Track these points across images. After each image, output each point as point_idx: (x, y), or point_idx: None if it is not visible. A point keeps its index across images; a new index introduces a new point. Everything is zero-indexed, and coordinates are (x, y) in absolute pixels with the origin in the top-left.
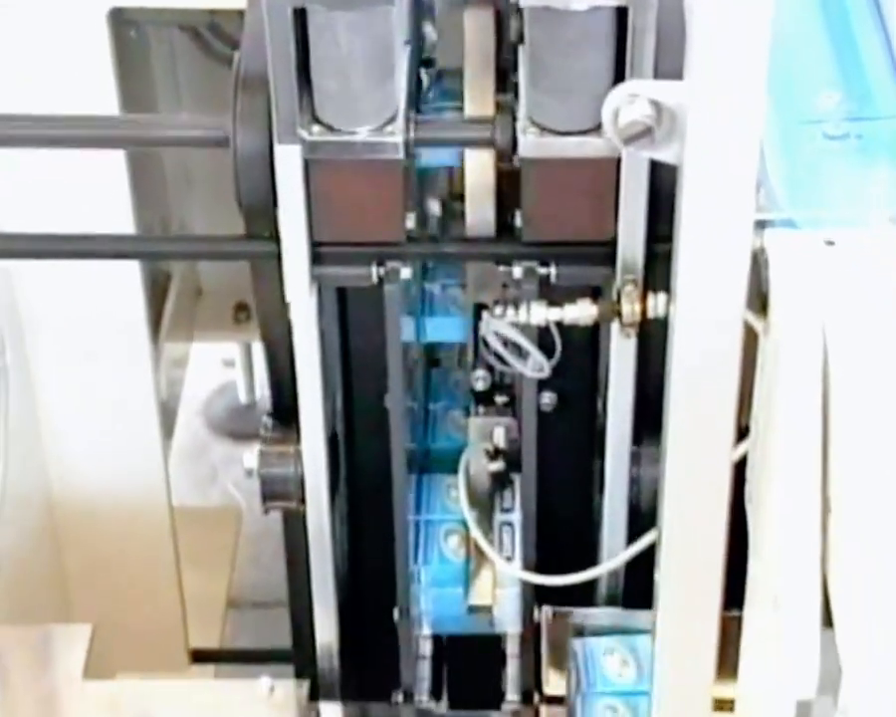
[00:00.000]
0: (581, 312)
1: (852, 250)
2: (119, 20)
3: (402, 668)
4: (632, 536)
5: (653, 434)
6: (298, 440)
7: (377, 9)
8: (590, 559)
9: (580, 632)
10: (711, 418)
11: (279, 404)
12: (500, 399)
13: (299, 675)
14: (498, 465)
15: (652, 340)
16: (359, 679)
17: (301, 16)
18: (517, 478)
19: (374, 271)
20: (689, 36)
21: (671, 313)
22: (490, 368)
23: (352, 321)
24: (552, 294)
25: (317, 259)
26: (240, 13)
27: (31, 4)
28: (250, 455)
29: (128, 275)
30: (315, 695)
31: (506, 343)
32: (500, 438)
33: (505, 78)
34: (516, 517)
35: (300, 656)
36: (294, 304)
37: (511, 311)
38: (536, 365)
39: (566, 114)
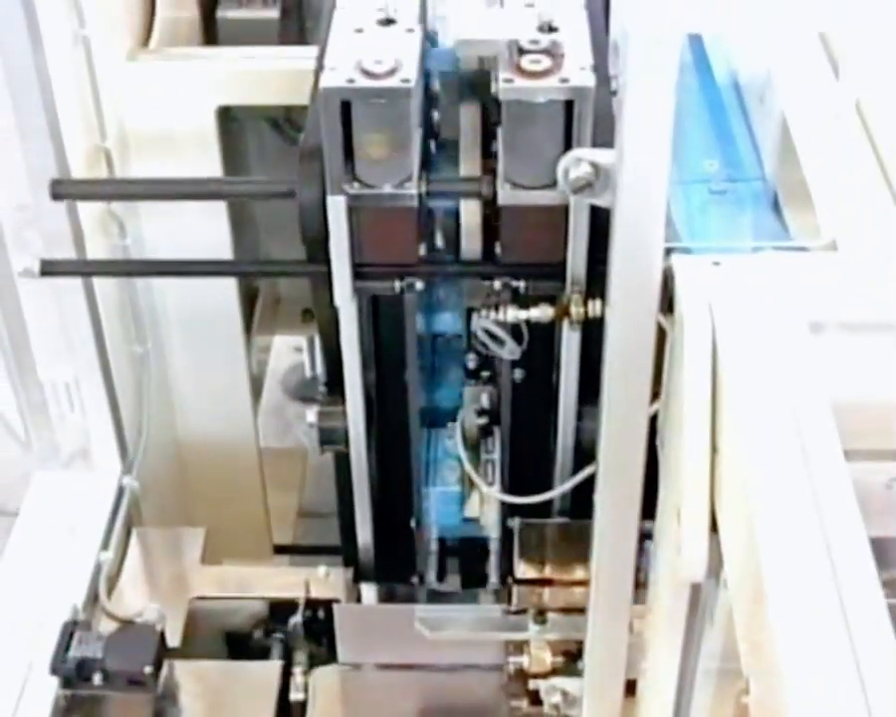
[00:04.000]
0: (542, 312)
1: (731, 268)
2: (224, 115)
3: (417, 560)
4: (576, 469)
5: (592, 398)
6: (343, 402)
7: (399, 101)
8: (547, 484)
9: None
10: (633, 386)
11: (330, 378)
12: (484, 374)
13: (346, 564)
14: (484, 420)
15: (592, 332)
16: (387, 568)
17: (346, 106)
18: (496, 429)
19: (397, 284)
20: (618, 121)
21: (606, 313)
22: (478, 353)
23: (382, 319)
24: (521, 300)
25: (357, 276)
26: (305, 108)
27: (163, 103)
28: (311, 413)
29: (229, 290)
30: (357, 578)
31: (490, 334)
32: (485, 401)
33: (488, 148)
34: (496, 456)
35: (346, 552)
36: (341, 307)
37: (493, 312)
38: (510, 351)
39: (531, 174)
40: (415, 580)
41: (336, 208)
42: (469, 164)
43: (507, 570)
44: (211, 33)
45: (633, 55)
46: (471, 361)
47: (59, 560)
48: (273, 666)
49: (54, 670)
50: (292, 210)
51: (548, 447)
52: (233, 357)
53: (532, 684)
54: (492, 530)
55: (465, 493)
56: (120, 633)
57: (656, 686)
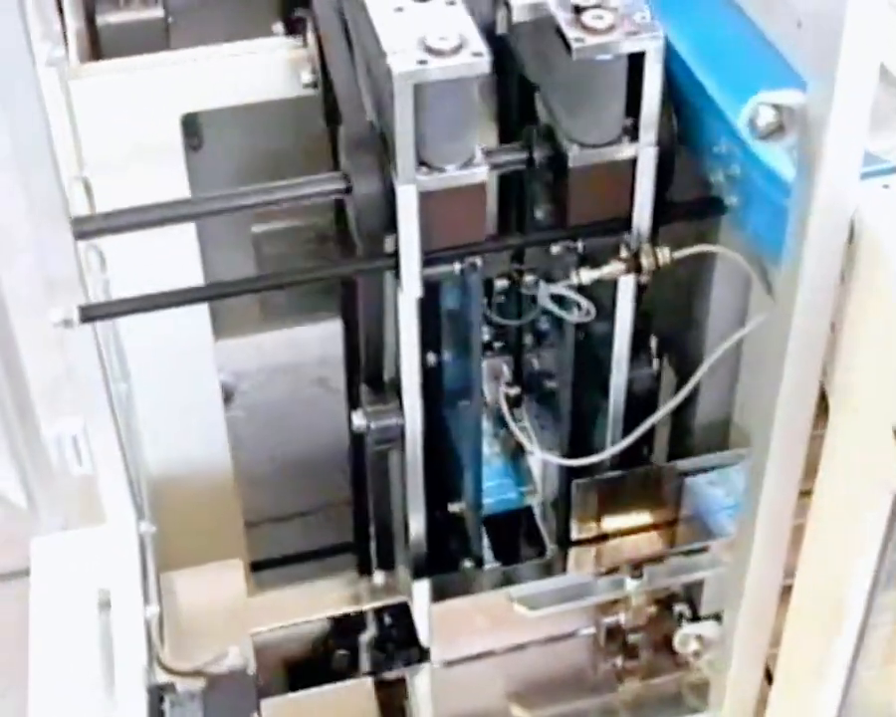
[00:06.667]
0: (613, 269)
1: None
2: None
3: (472, 543)
4: (627, 421)
5: (640, 355)
6: (389, 400)
7: (469, 79)
8: (592, 443)
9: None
10: (815, 329)
11: (372, 377)
12: (497, 345)
13: (360, 570)
14: (515, 390)
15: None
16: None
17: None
18: (525, 397)
19: (457, 266)
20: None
21: (784, 266)
22: (490, 323)
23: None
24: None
25: (426, 263)
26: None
27: (122, 118)
28: (358, 417)
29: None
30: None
31: (557, 300)
32: (507, 372)
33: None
34: (527, 424)
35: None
36: (404, 299)
37: (569, 276)
38: (586, 312)
39: (597, 132)
40: (467, 564)
41: (408, 197)
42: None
43: (563, 533)
44: (94, 42)
45: None
46: (485, 334)
47: (101, 625)
48: (364, 683)
49: None
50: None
51: (598, 406)
52: (203, 377)
53: (631, 638)
54: (547, 494)
55: (508, 465)
56: (214, 686)
57: (833, 604)
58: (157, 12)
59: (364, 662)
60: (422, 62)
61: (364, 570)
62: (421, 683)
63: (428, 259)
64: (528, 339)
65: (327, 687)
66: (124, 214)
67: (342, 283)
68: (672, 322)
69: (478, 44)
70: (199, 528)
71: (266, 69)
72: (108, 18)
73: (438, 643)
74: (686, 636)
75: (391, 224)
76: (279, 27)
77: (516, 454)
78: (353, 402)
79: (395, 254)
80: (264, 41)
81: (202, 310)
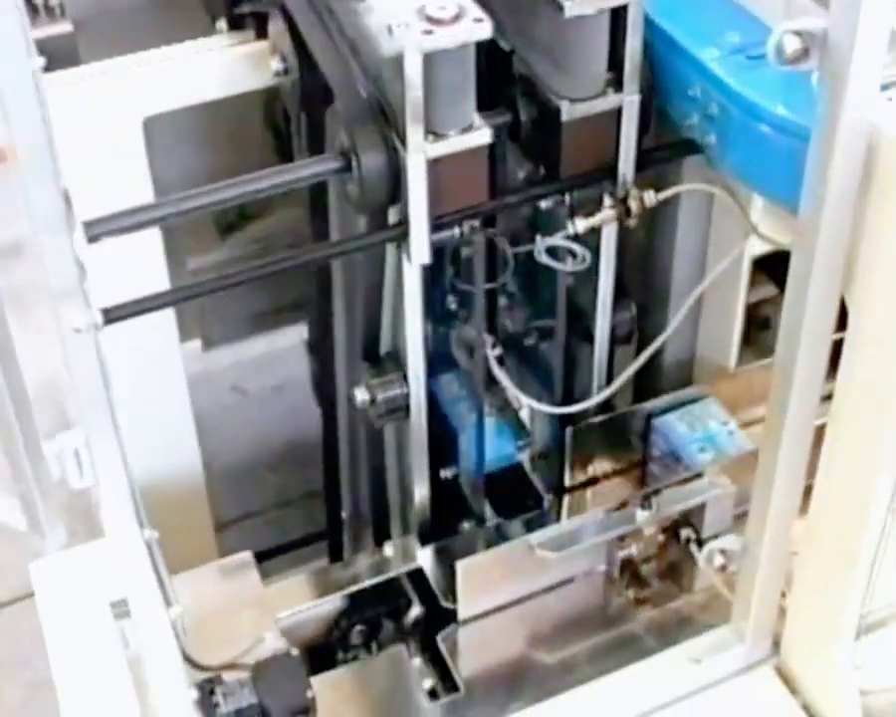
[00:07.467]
0: (605, 215)
1: None
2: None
3: (472, 504)
4: (611, 363)
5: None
6: (391, 371)
7: (470, 45)
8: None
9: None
10: (833, 245)
11: (369, 352)
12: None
13: (332, 554)
14: (498, 350)
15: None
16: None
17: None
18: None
19: (457, 230)
20: None
21: (808, 179)
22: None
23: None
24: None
25: (433, 229)
26: None
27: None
28: (360, 392)
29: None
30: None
31: (552, 253)
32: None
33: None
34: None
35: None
36: (410, 268)
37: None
38: (578, 262)
39: (586, 86)
40: (467, 525)
41: (417, 167)
42: None
43: (558, 482)
44: None
45: None
46: (453, 304)
47: (122, 635)
48: (399, 651)
49: None
50: None
51: (585, 351)
52: (172, 381)
53: (644, 569)
54: (536, 449)
55: (500, 424)
56: (261, 672)
57: (859, 496)
58: (66, 26)
59: (389, 632)
60: (428, 32)
61: (336, 556)
62: (450, 642)
63: (436, 225)
64: (502, 300)
65: (362, 662)
66: (134, 213)
67: (317, 273)
68: (631, 269)
69: (476, 10)
70: (175, 532)
71: (231, 63)
72: None
73: (464, 601)
74: (712, 552)
75: (395, 195)
76: (222, 24)
77: (503, 411)
78: (323, 387)
79: (400, 224)
80: (220, 37)
81: (169, 315)
